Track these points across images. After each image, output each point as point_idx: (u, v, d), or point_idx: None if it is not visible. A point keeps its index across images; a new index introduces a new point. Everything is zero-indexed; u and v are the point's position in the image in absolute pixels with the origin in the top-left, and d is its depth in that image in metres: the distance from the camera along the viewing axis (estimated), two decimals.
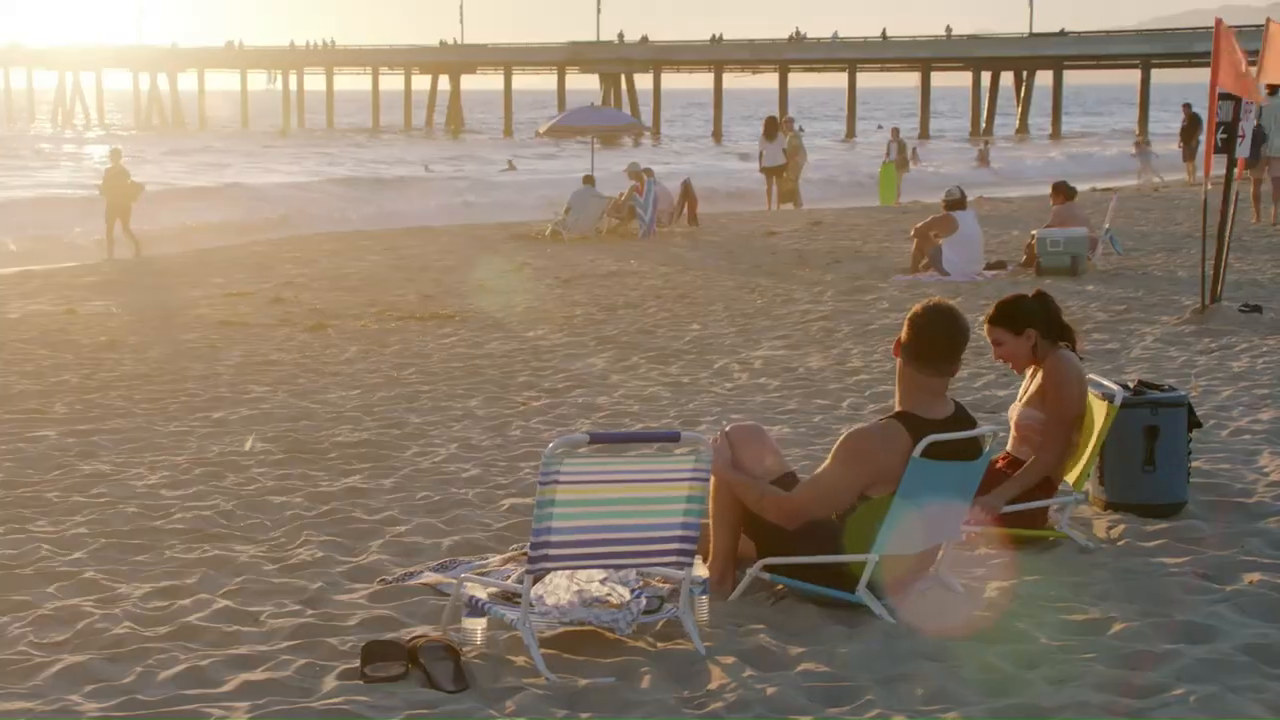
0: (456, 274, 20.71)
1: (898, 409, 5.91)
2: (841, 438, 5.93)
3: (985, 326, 7.07)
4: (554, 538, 5.25)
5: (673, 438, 5.47)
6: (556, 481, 5.18)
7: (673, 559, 5.47)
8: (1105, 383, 6.96)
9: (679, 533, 5.44)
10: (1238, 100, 13.81)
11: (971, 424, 5.90)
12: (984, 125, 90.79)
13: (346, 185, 42.64)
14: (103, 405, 11.15)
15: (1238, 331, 13.32)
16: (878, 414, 8.05)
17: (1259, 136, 27.44)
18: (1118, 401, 6.67)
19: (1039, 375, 6.94)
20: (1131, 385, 7.19)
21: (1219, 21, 13.38)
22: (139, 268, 23.24)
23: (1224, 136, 13.94)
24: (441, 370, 12.56)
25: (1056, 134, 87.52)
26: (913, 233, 19.54)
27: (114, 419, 10.58)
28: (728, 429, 6.23)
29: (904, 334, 5.92)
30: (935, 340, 5.84)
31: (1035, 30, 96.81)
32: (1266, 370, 11.34)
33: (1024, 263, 19.06)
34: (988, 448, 5.92)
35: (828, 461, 5.93)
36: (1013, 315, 7.01)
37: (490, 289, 18.70)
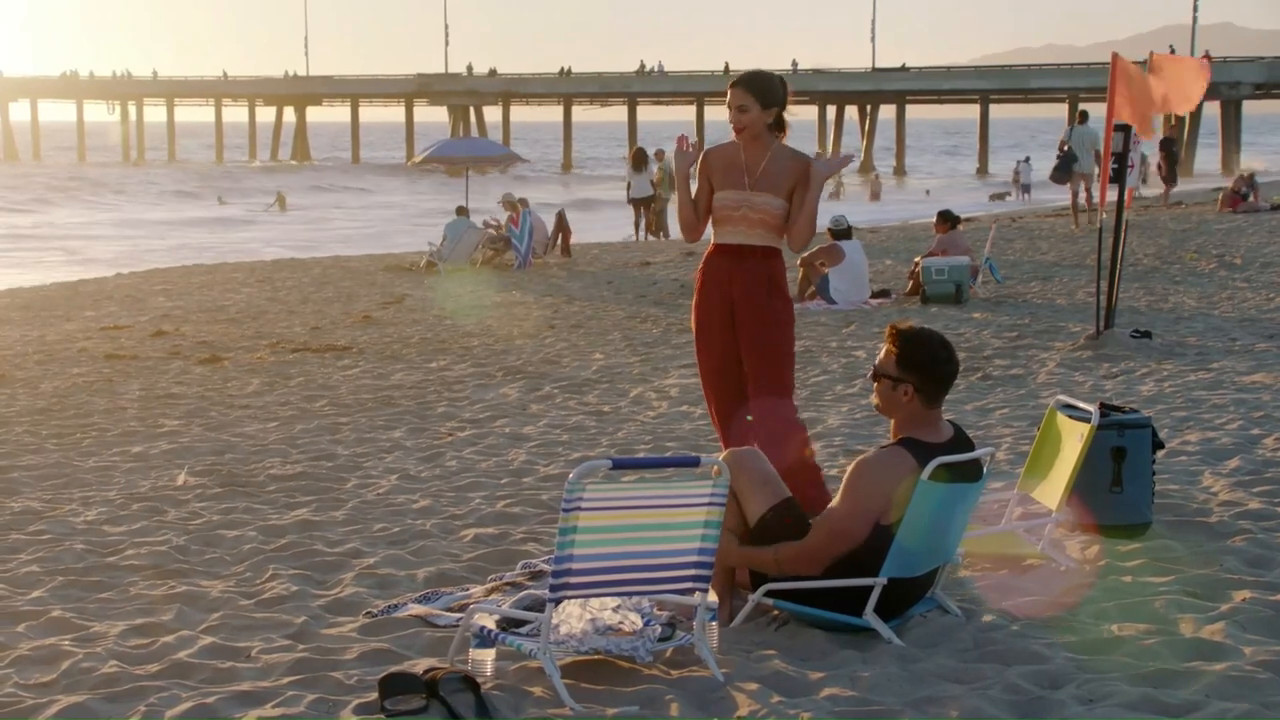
0: (338, 305, 20.45)
1: (897, 435, 5.90)
2: (849, 469, 5.89)
3: (734, 89, 6.99)
4: (575, 565, 5.15)
5: (692, 463, 5.41)
6: (579, 509, 5.09)
7: (689, 585, 5.41)
8: (1080, 405, 7.02)
9: (695, 558, 5.37)
10: (1128, 131, 14.15)
11: (970, 445, 5.91)
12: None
13: None
14: (10, 441, 10.77)
15: (1133, 356, 13.58)
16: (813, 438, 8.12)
17: (1070, 158, 28.37)
18: (1095, 422, 6.73)
19: (767, 160, 7.05)
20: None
21: (1115, 55, 13.69)
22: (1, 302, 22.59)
23: (1115, 167, 14.28)
24: (354, 402, 12.34)
25: (901, 169, 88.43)
26: (799, 262, 19.68)
27: (26, 455, 10.23)
28: (737, 457, 6.02)
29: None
30: (939, 375, 5.83)
31: (878, 65, 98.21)
32: (1176, 393, 11.57)
33: (909, 291, 19.32)
34: (988, 468, 5.94)
35: (837, 496, 5.88)
36: (767, 89, 7.10)
37: (377, 320, 18.46)
